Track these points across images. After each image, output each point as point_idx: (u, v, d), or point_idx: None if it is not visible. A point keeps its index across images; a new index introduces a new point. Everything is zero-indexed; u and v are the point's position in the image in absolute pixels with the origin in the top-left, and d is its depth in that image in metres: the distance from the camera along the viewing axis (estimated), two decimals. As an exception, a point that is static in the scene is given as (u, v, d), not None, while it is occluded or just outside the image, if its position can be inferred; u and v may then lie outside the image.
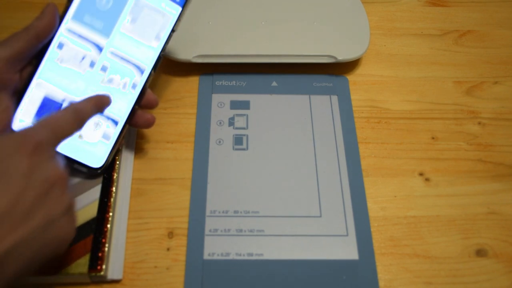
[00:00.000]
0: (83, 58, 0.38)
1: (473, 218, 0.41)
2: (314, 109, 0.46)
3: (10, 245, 0.26)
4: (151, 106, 0.41)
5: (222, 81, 0.48)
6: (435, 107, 0.48)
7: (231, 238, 0.38)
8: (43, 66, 0.37)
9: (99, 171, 0.38)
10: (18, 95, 0.36)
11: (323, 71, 0.49)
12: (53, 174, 0.29)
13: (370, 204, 0.41)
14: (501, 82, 0.50)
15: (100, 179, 0.39)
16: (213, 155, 0.43)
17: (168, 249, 0.38)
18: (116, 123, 0.39)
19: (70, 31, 0.38)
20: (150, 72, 0.40)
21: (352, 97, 0.48)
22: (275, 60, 0.47)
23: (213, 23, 0.49)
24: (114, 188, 0.39)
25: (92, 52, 0.38)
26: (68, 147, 0.38)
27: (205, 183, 0.41)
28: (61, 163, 0.30)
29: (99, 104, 0.34)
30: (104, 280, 0.36)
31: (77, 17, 0.38)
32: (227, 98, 0.47)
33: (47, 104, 0.37)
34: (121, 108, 0.39)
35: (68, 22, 0.38)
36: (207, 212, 0.39)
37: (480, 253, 0.39)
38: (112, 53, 0.39)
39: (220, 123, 0.45)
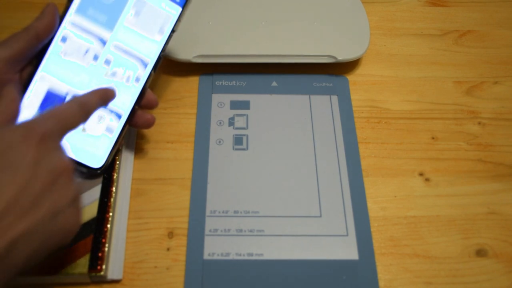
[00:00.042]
0: (86, 52, 0.38)
1: (473, 218, 0.41)
2: (314, 109, 0.46)
3: (17, 235, 0.26)
4: (151, 106, 0.41)
5: (222, 81, 0.48)
6: (435, 107, 0.48)
7: (231, 238, 0.38)
8: (47, 59, 0.37)
9: (99, 171, 0.38)
10: (22, 88, 0.36)
11: (323, 71, 0.49)
12: (59, 165, 0.29)
13: (370, 204, 0.41)
14: (501, 82, 0.50)
15: (100, 179, 0.39)
16: (213, 155, 0.43)
17: (168, 249, 0.38)
18: (119, 116, 0.39)
19: (74, 24, 0.38)
20: (150, 73, 0.40)
21: (352, 97, 0.48)
22: (275, 60, 0.47)
23: (213, 23, 0.49)
24: (114, 188, 0.39)
25: (96, 46, 0.38)
26: (68, 148, 0.38)
27: (205, 183, 0.41)
28: (67, 154, 0.30)
29: (104, 97, 0.34)
30: (104, 280, 0.36)
31: (81, 11, 0.38)
32: (227, 98, 0.47)
33: (50, 97, 0.37)
34: (124, 101, 0.39)
35: (72, 15, 0.37)
36: (207, 212, 0.39)
37: (480, 253, 0.39)
38: (116, 46, 0.39)
39: (220, 123, 0.45)
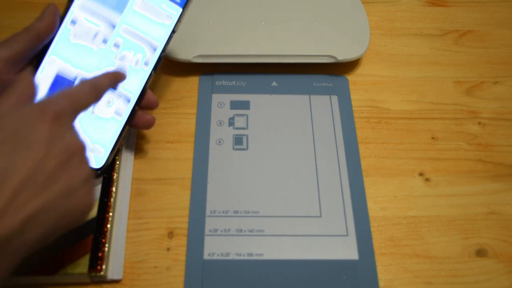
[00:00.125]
0: (96, 35, 0.38)
1: (473, 218, 0.41)
2: (314, 109, 0.46)
3: (32, 212, 0.26)
4: (151, 107, 0.41)
5: (222, 81, 0.48)
6: (435, 107, 0.48)
7: (231, 238, 0.38)
8: (56, 42, 0.37)
9: (99, 171, 0.38)
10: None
11: (323, 71, 0.49)
12: (72, 144, 0.29)
13: (370, 204, 0.41)
14: (501, 82, 0.50)
15: (100, 179, 0.39)
16: (213, 155, 0.43)
17: (168, 249, 0.38)
18: (128, 100, 0.39)
19: (84, 7, 0.38)
20: (151, 73, 0.40)
21: (352, 97, 0.48)
22: (275, 60, 0.47)
23: (213, 23, 0.49)
24: (114, 188, 0.39)
25: (105, 29, 0.38)
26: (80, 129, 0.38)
27: (205, 183, 0.41)
28: (80, 135, 0.30)
29: (114, 78, 0.34)
30: (104, 280, 0.36)
31: None
32: (227, 98, 0.47)
33: (59, 80, 0.37)
34: (133, 84, 0.39)
35: None
36: (207, 212, 0.39)
37: (480, 253, 0.39)
38: (125, 30, 0.39)
39: (220, 123, 0.45)
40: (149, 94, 0.40)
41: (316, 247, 0.38)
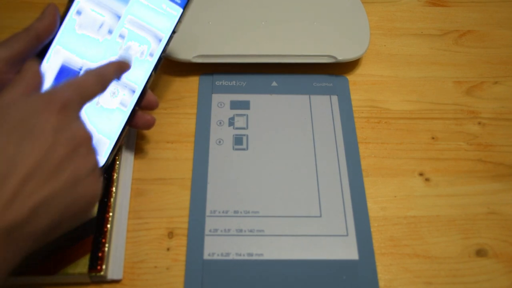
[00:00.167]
0: (101, 26, 0.38)
1: (473, 218, 0.41)
2: (314, 109, 0.46)
3: (39, 200, 0.27)
4: (152, 107, 0.41)
5: (222, 81, 0.48)
6: (435, 107, 0.48)
7: (231, 238, 0.38)
8: (61, 32, 0.37)
9: None
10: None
11: (323, 71, 0.49)
12: (79, 133, 0.29)
13: (370, 204, 0.41)
14: (501, 82, 0.50)
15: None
16: (213, 155, 0.43)
17: (168, 249, 0.38)
18: (133, 91, 0.39)
19: None
20: (151, 73, 0.40)
21: (352, 97, 0.48)
22: (275, 60, 0.47)
23: (213, 23, 0.49)
24: (114, 188, 0.39)
25: (110, 20, 0.38)
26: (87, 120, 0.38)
27: (205, 183, 0.41)
28: (86, 125, 0.30)
29: (120, 68, 0.35)
30: (104, 280, 0.36)
31: None
32: (227, 98, 0.47)
33: (65, 71, 0.37)
34: (138, 75, 0.39)
35: None
36: (207, 212, 0.39)
37: (480, 253, 0.39)
38: (130, 20, 0.39)
39: (220, 123, 0.45)
40: (149, 94, 0.40)
41: (316, 247, 0.38)
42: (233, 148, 0.43)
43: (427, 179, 0.43)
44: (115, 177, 0.39)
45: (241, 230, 0.39)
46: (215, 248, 0.38)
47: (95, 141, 0.31)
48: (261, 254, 0.37)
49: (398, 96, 0.48)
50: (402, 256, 0.38)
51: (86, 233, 0.36)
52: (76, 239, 0.36)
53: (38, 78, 0.31)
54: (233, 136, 0.44)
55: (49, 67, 0.37)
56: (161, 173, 0.42)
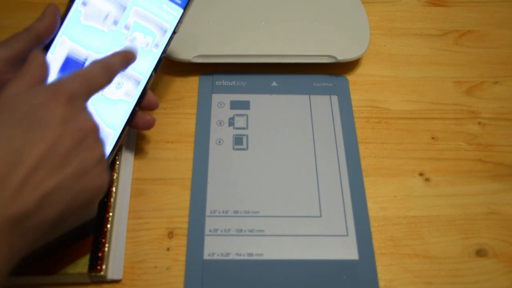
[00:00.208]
0: (106, 17, 0.38)
1: (473, 218, 0.41)
2: (314, 109, 0.46)
3: (48, 190, 0.27)
4: (152, 107, 0.41)
5: (222, 81, 0.48)
6: (435, 107, 0.48)
7: (231, 238, 0.38)
8: (67, 23, 0.37)
9: None
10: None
11: (323, 71, 0.49)
12: (86, 125, 0.29)
13: (370, 204, 0.41)
14: (501, 82, 0.50)
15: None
16: (213, 155, 0.43)
17: (168, 249, 0.38)
18: (138, 82, 0.39)
19: None
20: (151, 74, 0.40)
21: (352, 97, 0.48)
22: (275, 60, 0.47)
23: (213, 23, 0.49)
24: (114, 188, 0.39)
25: (116, 11, 0.38)
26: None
27: (205, 183, 0.41)
28: (93, 116, 0.31)
29: (126, 58, 0.35)
30: (104, 280, 0.36)
31: None
32: (227, 98, 0.47)
33: (70, 61, 0.37)
34: (143, 66, 0.39)
35: None
36: (207, 212, 0.39)
37: (480, 253, 0.39)
38: (136, 11, 0.39)
39: (220, 123, 0.45)
40: (150, 95, 0.40)
41: (316, 247, 0.38)
42: (233, 148, 0.43)
43: (427, 179, 0.43)
44: (115, 177, 0.39)
45: (241, 230, 0.39)
46: (215, 248, 0.38)
47: (102, 132, 0.31)
48: (261, 254, 0.37)
49: (398, 96, 0.48)
50: (402, 256, 0.38)
51: (86, 233, 0.36)
52: (76, 239, 0.36)
53: (44, 69, 0.31)
54: (233, 136, 0.44)
55: (55, 58, 0.37)
56: (161, 173, 0.42)
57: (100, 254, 0.35)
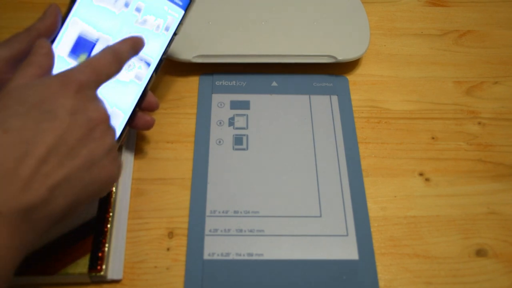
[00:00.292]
0: None
1: (473, 218, 0.41)
2: (314, 109, 0.46)
3: (58, 180, 0.27)
4: (152, 108, 0.41)
5: (222, 81, 0.48)
6: (435, 107, 0.48)
7: (231, 238, 0.38)
8: (78, 4, 0.37)
9: None
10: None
11: (323, 71, 0.49)
12: (96, 115, 0.29)
13: (370, 204, 0.41)
14: (501, 82, 0.50)
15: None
16: (213, 155, 0.43)
17: (168, 249, 0.38)
18: (148, 64, 0.39)
19: None
20: (152, 75, 0.40)
21: (352, 97, 0.48)
22: (275, 60, 0.47)
23: (213, 23, 0.49)
24: (114, 188, 0.39)
25: None
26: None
27: (205, 183, 0.41)
28: (104, 105, 0.31)
29: (135, 45, 0.35)
30: (104, 280, 0.36)
31: None
32: (227, 98, 0.47)
33: (81, 43, 0.37)
34: (153, 49, 0.39)
35: None
36: (207, 212, 0.39)
37: (480, 253, 0.39)
38: None
39: (220, 123, 0.45)
40: (150, 95, 0.40)
41: (316, 247, 0.38)
42: (233, 148, 0.43)
43: (427, 179, 0.43)
44: (115, 177, 0.39)
45: (241, 230, 0.39)
46: (215, 248, 0.38)
47: (112, 120, 0.31)
48: (261, 254, 0.37)
49: (398, 96, 0.48)
50: (402, 256, 0.38)
51: (86, 233, 0.36)
52: (76, 239, 0.36)
53: (50, 58, 0.31)
54: (233, 136, 0.44)
55: (66, 39, 0.37)
56: (161, 173, 0.42)
57: (100, 254, 0.35)
